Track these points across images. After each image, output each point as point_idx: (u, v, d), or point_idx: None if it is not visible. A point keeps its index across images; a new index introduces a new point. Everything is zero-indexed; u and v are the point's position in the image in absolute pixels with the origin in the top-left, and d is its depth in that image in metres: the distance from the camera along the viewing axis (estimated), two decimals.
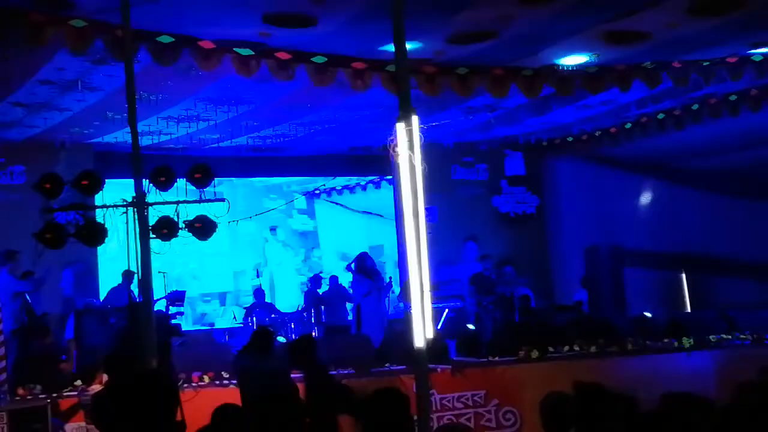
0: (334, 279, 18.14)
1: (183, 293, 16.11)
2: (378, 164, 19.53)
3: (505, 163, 20.88)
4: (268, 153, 18.65)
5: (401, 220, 8.61)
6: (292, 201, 19.86)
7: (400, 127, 8.15)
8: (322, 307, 17.74)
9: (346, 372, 12.78)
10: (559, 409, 6.30)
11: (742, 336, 15.02)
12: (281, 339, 16.01)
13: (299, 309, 17.91)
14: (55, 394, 11.93)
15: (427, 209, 8.39)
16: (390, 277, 18.32)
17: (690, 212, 20.04)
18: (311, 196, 20.63)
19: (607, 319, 16.38)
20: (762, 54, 14.34)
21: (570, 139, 19.87)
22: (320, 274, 19.05)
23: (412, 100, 8.13)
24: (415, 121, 8.15)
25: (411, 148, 7.99)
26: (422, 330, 7.96)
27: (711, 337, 14.79)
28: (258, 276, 18.29)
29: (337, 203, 21.18)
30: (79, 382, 12.13)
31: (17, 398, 11.99)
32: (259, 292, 17.77)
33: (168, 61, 11.94)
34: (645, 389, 12.27)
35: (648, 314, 15.67)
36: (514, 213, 20.79)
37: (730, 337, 14.95)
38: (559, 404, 6.39)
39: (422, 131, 8.20)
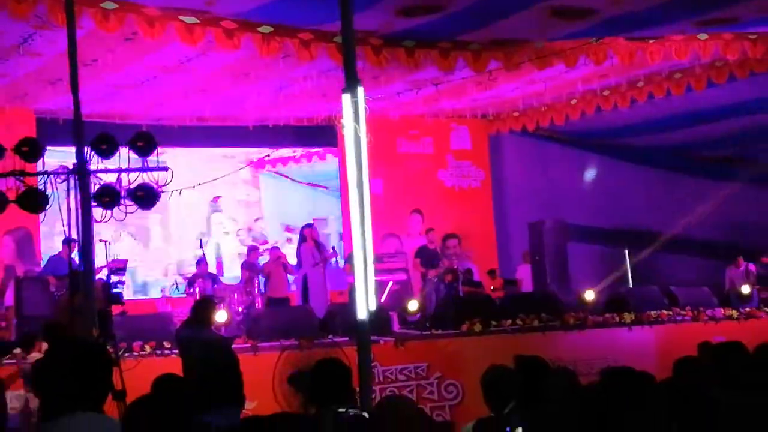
0: (274, 250, 18.07)
1: (125, 262, 15.97)
2: (323, 136, 19.49)
3: (451, 136, 20.90)
4: (212, 123, 18.52)
5: (346, 192, 8.62)
6: (238, 170, 19.70)
7: (346, 99, 8.13)
8: (262, 278, 17.69)
9: (288, 343, 12.75)
10: (501, 382, 6.32)
11: (682, 312, 15.17)
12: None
13: (241, 280, 17.83)
14: None
15: (371, 181, 8.37)
16: (333, 247, 18.26)
17: (634, 189, 20.21)
18: (256, 166, 20.48)
19: (549, 293, 16.48)
20: (707, 32, 14.46)
21: (516, 114, 19.93)
22: (258, 245, 19.00)
23: (358, 72, 8.09)
24: (360, 92, 8.12)
25: (356, 119, 7.97)
26: (365, 302, 7.97)
27: (651, 312, 14.92)
28: (201, 246, 18.16)
29: (281, 174, 21.05)
30: (18, 350, 11.99)
31: None
32: (201, 263, 17.67)
33: (112, 28, 11.79)
34: (586, 363, 12.46)
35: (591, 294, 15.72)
36: (459, 187, 20.84)
37: (670, 312, 15.09)
38: (500, 377, 6.41)
39: (368, 103, 8.18)
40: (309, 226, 17.77)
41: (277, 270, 17.53)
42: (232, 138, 19.30)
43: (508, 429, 5.75)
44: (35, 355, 11.30)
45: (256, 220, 20.63)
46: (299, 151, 20.95)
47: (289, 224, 20.48)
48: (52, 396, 4.51)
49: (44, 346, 10.86)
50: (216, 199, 20.19)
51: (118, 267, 15.58)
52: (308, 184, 21.16)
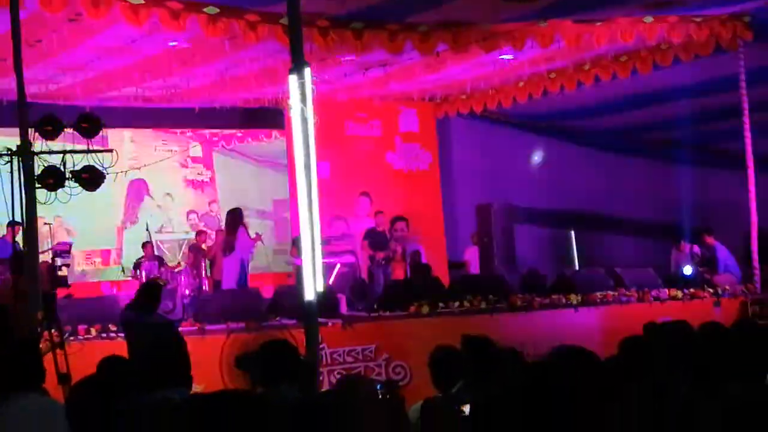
0: (219, 233, 18.01)
1: (70, 245, 15.84)
2: (271, 118, 19.42)
3: (399, 119, 20.90)
4: (159, 104, 18.36)
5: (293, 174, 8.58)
6: (186, 149, 19.54)
7: (293, 80, 8.10)
8: (208, 261, 17.63)
9: (236, 325, 12.71)
10: (448, 362, 6.35)
11: (627, 293, 15.29)
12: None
13: (188, 263, 17.75)
14: None
15: (319, 164, 8.36)
16: (257, 233, 17.96)
17: (580, 171, 20.34)
18: (207, 145, 20.24)
19: (497, 276, 16.56)
20: (653, 15, 14.56)
21: (464, 96, 19.95)
22: (205, 228, 18.90)
23: (305, 54, 8.07)
24: (307, 74, 8.10)
25: (303, 100, 7.95)
26: (313, 284, 7.97)
27: (597, 293, 15.04)
28: (147, 229, 18.04)
29: (234, 151, 20.76)
30: None
31: None
32: (147, 246, 17.56)
33: (56, 8, 11.65)
34: (533, 344, 12.51)
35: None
36: (407, 169, 20.86)
37: (615, 293, 15.21)
38: (447, 357, 6.44)
39: (315, 86, 8.16)
40: (233, 210, 17.48)
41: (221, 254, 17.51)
42: (178, 119, 19.17)
43: (455, 408, 5.77)
44: None
45: (210, 203, 20.36)
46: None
47: (245, 203, 20.15)
48: None
49: None
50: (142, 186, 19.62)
51: (63, 250, 15.46)
52: (263, 161, 20.83)
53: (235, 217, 17.26)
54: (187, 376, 5.24)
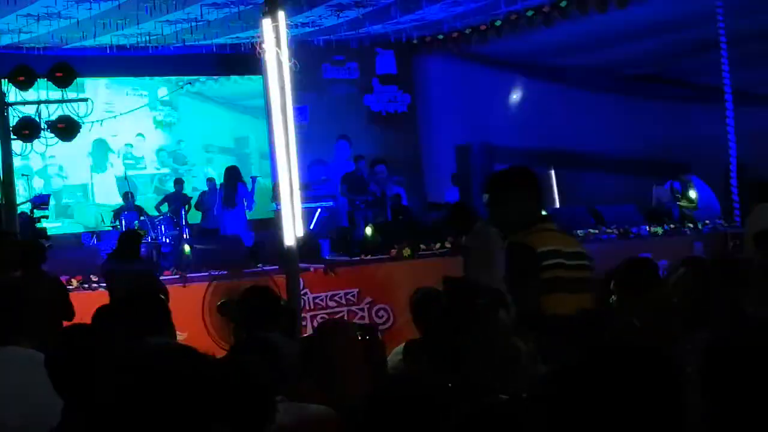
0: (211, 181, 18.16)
1: (48, 196, 15.75)
2: (246, 63, 19.26)
3: (377, 61, 20.78)
4: (133, 52, 18.17)
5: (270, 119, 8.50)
6: (156, 93, 19.47)
7: (267, 23, 8.02)
8: (186, 207, 17.67)
9: (217, 273, 12.69)
10: (428, 304, 6.35)
11: (608, 230, 15.32)
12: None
13: (167, 212, 17.70)
14: None
15: (297, 108, 8.29)
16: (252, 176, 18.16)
17: (559, 109, 20.26)
18: (175, 88, 20.10)
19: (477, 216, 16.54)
20: None
21: (440, 36, 19.82)
22: (182, 177, 18.87)
23: None
24: (281, 17, 8.02)
25: (278, 44, 7.87)
26: (292, 229, 7.94)
27: (579, 231, 15.04)
28: (126, 179, 17.97)
29: (201, 94, 20.68)
30: None
31: None
32: (126, 195, 17.49)
33: None
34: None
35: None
36: (386, 112, 20.78)
37: (597, 231, 15.23)
38: (427, 299, 6.44)
39: (290, 29, 8.08)
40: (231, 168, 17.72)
41: (212, 201, 17.59)
42: (153, 67, 19.01)
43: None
44: None
45: (179, 142, 20.37)
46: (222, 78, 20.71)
47: (211, 143, 20.32)
48: None
49: None
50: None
51: (42, 201, 15.37)
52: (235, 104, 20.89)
53: (233, 173, 17.41)
54: (168, 324, 5.24)
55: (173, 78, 19.91)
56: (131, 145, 19.79)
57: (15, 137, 10.65)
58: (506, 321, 5.19)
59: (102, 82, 18.97)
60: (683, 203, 17.29)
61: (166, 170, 19.95)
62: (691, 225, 15.82)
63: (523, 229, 5.34)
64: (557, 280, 5.22)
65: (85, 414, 3.58)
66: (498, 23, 18.35)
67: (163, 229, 16.75)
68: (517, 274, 5.27)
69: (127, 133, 19.63)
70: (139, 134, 19.93)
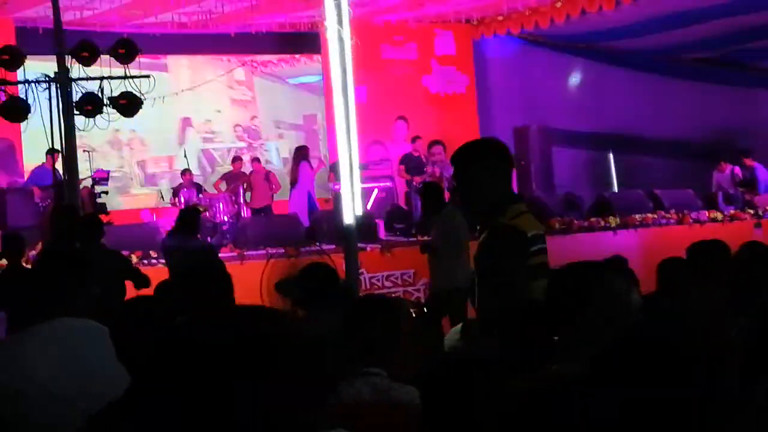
0: (256, 163, 18.22)
1: (108, 172, 15.89)
2: (307, 42, 19.30)
3: (435, 42, 20.71)
4: (194, 30, 18.29)
5: (330, 99, 8.54)
6: (231, 72, 19.59)
7: (329, 2, 8.04)
8: (245, 185, 17.80)
9: (275, 251, 12.77)
10: None
11: (666, 215, 15.22)
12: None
13: (226, 190, 17.81)
14: None
15: (355, 88, 8.30)
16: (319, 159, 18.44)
17: (618, 92, 20.12)
18: (247, 68, 20.27)
19: (535, 198, 16.50)
20: None
21: (500, 17, 19.73)
22: (242, 156, 18.97)
23: None
24: None
25: (340, 23, 7.89)
26: (352, 207, 7.97)
27: (636, 216, 14.97)
28: (185, 156, 18.10)
29: (273, 75, 20.84)
30: (4, 261, 11.98)
31: None
32: (186, 172, 17.60)
33: None
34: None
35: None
36: (444, 93, 20.72)
37: (655, 215, 15.14)
38: None
39: (351, 7, 8.09)
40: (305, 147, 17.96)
41: (258, 181, 17.70)
42: (213, 45, 19.10)
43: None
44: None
45: (252, 118, 20.61)
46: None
47: (281, 119, 20.68)
48: (19, 305, 4.45)
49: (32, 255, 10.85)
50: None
51: (102, 177, 15.52)
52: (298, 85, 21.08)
53: (299, 152, 17.75)
54: (230, 300, 5.26)
55: (246, 59, 20.05)
56: (209, 121, 20.08)
57: (77, 112, 10.75)
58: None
59: (183, 59, 19.30)
60: (744, 188, 17.12)
61: (243, 144, 20.28)
62: (751, 211, 15.66)
63: (498, 211, 4.84)
64: (541, 266, 4.81)
65: (150, 385, 3.60)
66: (559, 4, 18.22)
67: (221, 206, 16.86)
68: (508, 260, 4.73)
69: (205, 109, 19.93)
70: (218, 110, 20.18)
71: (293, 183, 17.40)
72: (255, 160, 18.41)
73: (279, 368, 2.60)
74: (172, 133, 19.61)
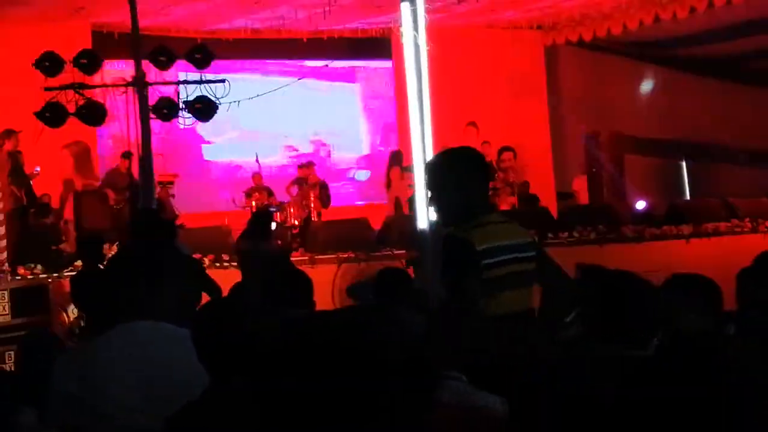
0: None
1: (174, 176, 16.07)
2: (378, 48, 19.34)
3: (507, 48, 20.62)
4: (267, 36, 18.43)
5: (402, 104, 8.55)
6: (303, 77, 19.68)
7: (405, 7, 8.05)
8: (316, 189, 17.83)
9: (346, 256, 12.80)
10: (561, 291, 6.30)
11: (741, 224, 15.03)
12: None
13: (296, 193, 17.88)
14: (56, 274, 11.96)
15: None
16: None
17: (691, 99, 19.94)
18: (316, 74, 20.37)
19: (606, 206, 16.39)
20: None
21: (572, 24, 19.63)
22: (313, 161, 19.01)
23: None
24: (420, 1, 8.05)
25: (415, 28, 7.91)
26: (425, 212, 7.97)
27: (710, 224, 14.80)
28: (256, 160, 18.22)
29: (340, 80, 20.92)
30: (79, 263, 12.15)
31: (18, 277, 12.02)
32: (257, 175, 17.72)
33: None
34: (644, 276, 12.35)
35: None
36: (514, 99, 20.62)
37: (729, 224, 14.96)
38: (560, 286, 6.39)
39: (426, 13, 8.10)
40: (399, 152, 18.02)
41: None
42: (285, 51, 19.23)
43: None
44: None
45: (322, 123, 20.71)
46: (354, 63, 20.86)
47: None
48: (96, 307, 4.47)
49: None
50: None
51: (168, 180, 15.69)
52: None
53: (394, 157, 17.86)
54: (310, 299, 5.30)
55: (314, 64, 20.11)
56: (281, 126, 20.20)
57: (154, 116, 10.89)
58: None
59: (256, 64, 19.50)
60: None
61: (313, 149, 20.46)
62: None
63: (466, 221, 4.79)
64: (510, 276, 4.78)
65: (229, 386, 3.64)
66: (632, 11, 18.09)
67: (292, 210, 16.95)
68: (453, 271, 4.65)
69: (272, 115, 20.06)
70: (288, 115, 20.28)
71: (388, 186, 17.40)
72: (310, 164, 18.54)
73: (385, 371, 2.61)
74: (244, 137, 19.76)
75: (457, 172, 4.85)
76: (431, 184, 4.96)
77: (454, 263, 4.66)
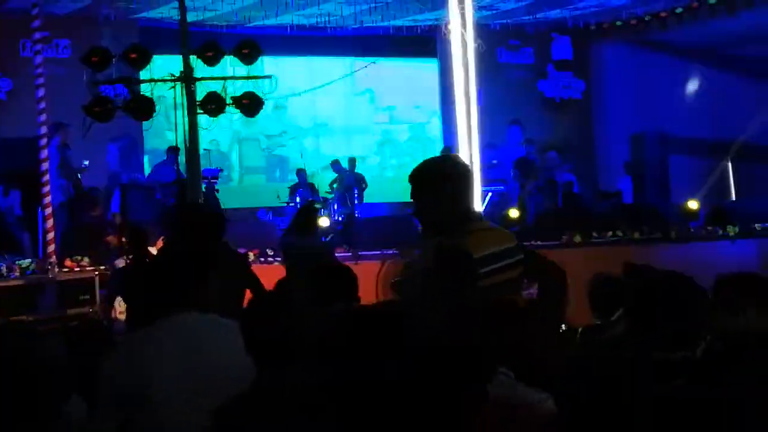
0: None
1: (218, 171, 16.14)
2: (423, 46, 19.34)
3: (552, 47, 20.61)
4: (312, 32, 18.48)
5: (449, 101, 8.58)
6: (352, 73, 19.73)
7: (453, 5, 8.07)
8: (361, 185, 17.89)
9: (390, 252, 12.81)
10: (608, 290, 6.30)
11: None
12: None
13: (340, 190, 17.94)
14: (103, 267, 12.07)
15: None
16: None
17: (737, 100, 19.77)
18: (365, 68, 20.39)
19: (651, 206, 16.31)
20: None
21: (619, 23, 19.55)
22: (355, 156, 19.06)
23: None
24: None
25: (463, 26, 7.92)
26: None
27: (756, 225, 14.69)
28: (301, 156, 18.29)
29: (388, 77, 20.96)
30: (126, 256, 12.24)
31: (65, 269, 12.14)
32: (301, 173, 17.78)
33: None
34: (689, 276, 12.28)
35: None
36: (559, 98, 20.59)
37: None
38: (607, 284, 6.39)
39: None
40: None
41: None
42: (331, 47, 19.26)
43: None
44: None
45: (368, 119, 20.79)
46: (398, 60, 20.83)
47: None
48: (144, 300, 4.50)
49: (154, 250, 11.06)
50: None
51: (213, 175, 15.77)
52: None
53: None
54: (355, 294, 5.32)
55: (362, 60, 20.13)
56: (326, 122, 20.27)
57: (201, 111, 10.97)
58: None
59: (301, 61, 19.52)
60: None
61: (356, 145, 20.41)
62: None
63: (452, 229, 4.73)
64: (507, 283, 4.71)
65: (278, 378, 3.66)
66: (679, 11, 18.00)
67: (335, 206, 17.01)
68: (449, 281, 4.48)
69: (322, 110, 20.19)
70: (333, 111, 20.51)
71: None
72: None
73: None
74: (289, 133, 19.85)
75: (438, 182, 4.82)
76: (413, 195, 4.93)
77: (452, 272, 4.54)
